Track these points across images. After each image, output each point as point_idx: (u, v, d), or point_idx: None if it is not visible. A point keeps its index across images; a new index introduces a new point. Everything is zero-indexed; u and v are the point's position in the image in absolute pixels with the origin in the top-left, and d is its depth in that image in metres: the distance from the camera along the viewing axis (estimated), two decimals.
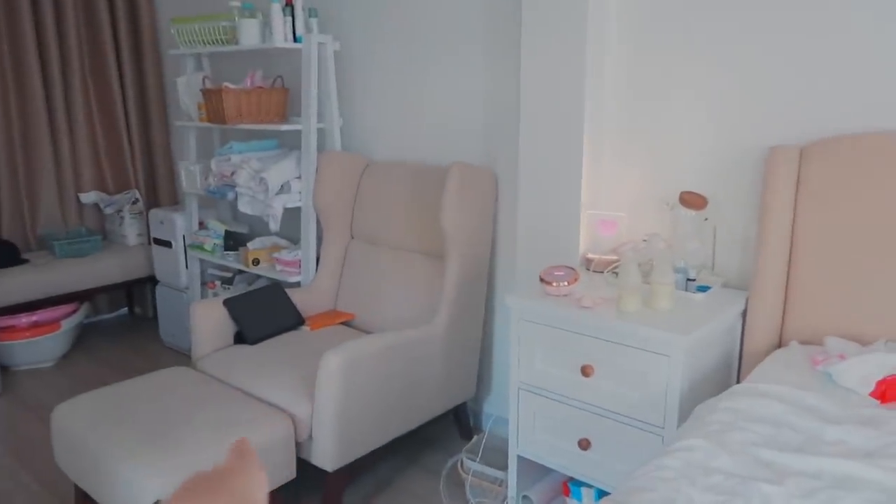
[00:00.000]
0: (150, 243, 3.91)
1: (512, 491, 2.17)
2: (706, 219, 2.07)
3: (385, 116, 3.00)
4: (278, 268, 3.05)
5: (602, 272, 2.17)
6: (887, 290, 1.75)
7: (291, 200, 2.94)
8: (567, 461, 2.01)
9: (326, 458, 2.16)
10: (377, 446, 2.33)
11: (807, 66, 1.93)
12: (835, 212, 1.83)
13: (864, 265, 1.79)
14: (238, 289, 3.45)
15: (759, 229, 1.93)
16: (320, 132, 2.97)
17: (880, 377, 1.53)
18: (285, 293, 2.79)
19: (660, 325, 1.76)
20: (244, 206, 3.02)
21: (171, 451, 1.87)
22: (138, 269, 3.94)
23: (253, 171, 2.94)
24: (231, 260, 3.26)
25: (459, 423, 2.81)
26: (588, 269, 2.27)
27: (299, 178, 2.96)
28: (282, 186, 2.93)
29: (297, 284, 3.01)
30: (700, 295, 1.98)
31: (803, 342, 1.86)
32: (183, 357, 3.71)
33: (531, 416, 2.06)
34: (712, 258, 2.14)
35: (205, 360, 2.51)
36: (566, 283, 2.00)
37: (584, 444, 1.94)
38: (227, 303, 2.62)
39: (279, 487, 2.11)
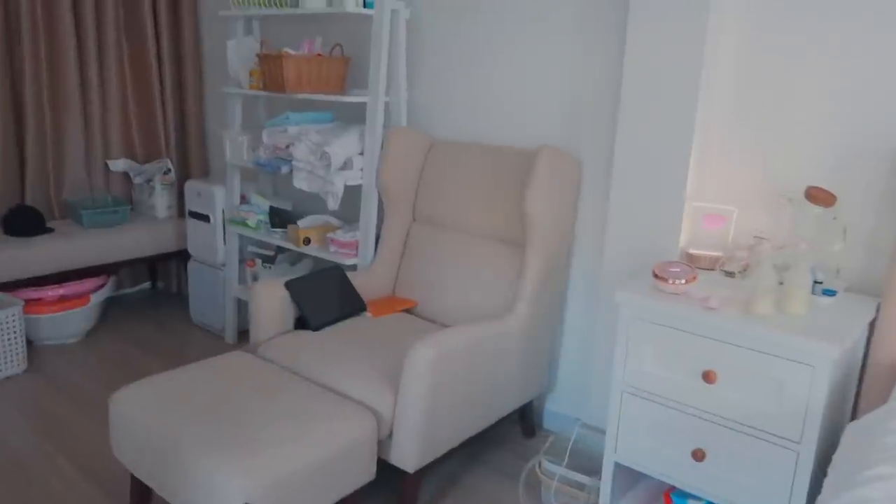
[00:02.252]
0: (181, 216, 3.71)
1: (605, 499, 2.03)
2: (835, 217, 1.92)
3: (453, 92, 2.81)
4: (332, 249, 2.88)
5: (713, 270, 2.02)
6: None
7: (353, 178, 2.76)
8: (675, 471, 1.86)
9: (408, 458, 2.00)
10: (454, 446, 2.18)
11: None
12: None
13: None
14: (280, 268, 3.28)
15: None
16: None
17: None
18: (347, 277, 2.61)
19: (803, 332, 1.62)
20: (300, 182, 2.83)
21: (253, 448, 1.70)
22: (167, 243, 3.75)
23: (313, 145, 2.75)
24: (278, 238, 3.07)
25: (523, 420, 2.67)
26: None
27: (361, 154, 2.78)
28: (344, 163, 2.74)
29: (353, 267, 2.84)
30: (827, 300, 1.83)
31: None
32: (215, 338, 3.53)
33: (634, 422, 1.92)
34: (837, 260, 1.99)
35: (267, 347, 2.34)
36: (683, 282, 1.85)
37: (699, 455, 1.80)
38: (289, 285, 2.44)
39: (357, 490, 1.95)
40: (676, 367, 1.81)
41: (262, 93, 2.97)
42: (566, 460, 2.16)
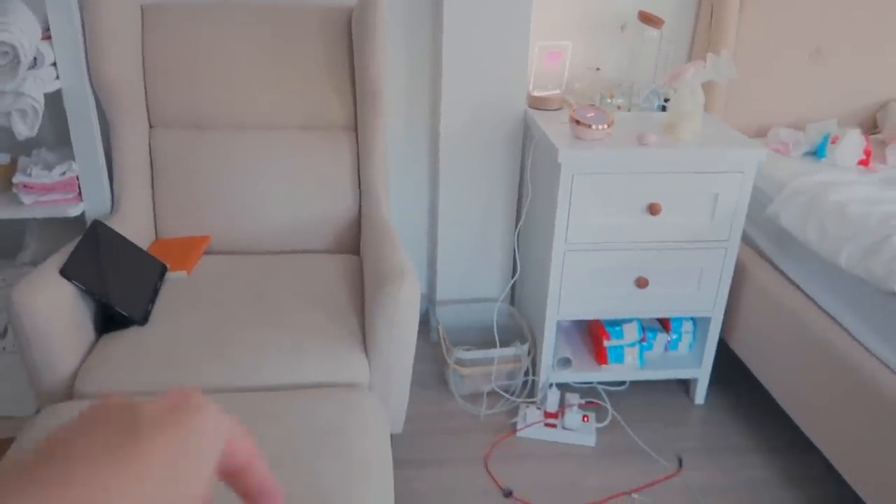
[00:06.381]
0: None
1: (549, 360, 2.02)
2: (663, 38, 2.09)
3: None
4: (27, 199, 1.81)
5: (560, 109, 2.03)
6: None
7: (49, 79, 1.71)
8: (617, 306, 1.96)
9: (397, 419, 1.60)
10: None
11: None
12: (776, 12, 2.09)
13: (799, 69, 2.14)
14: None
15: (706, 41, 2.08)
16: None
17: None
18: (118, 233, 1.72)
19: (734, 144, 1.81)
20: None
21: None
22: None
23: None
24: None
25: None
26: (534, 108, 2.08)
27: (46, 39, 1.72)
28: (35, 58, 1.66)
29: (81, 218, 1.88)
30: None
31: None
32: None
33: (576, 277, 1.90)
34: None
35: (93, 379, 1.44)
36: (605, 126, 1.81)
37: (643, 283, 1.92)
38: (69, 273, 1.49)
39: None
40: (620, 210, 1.84)
41: None
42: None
